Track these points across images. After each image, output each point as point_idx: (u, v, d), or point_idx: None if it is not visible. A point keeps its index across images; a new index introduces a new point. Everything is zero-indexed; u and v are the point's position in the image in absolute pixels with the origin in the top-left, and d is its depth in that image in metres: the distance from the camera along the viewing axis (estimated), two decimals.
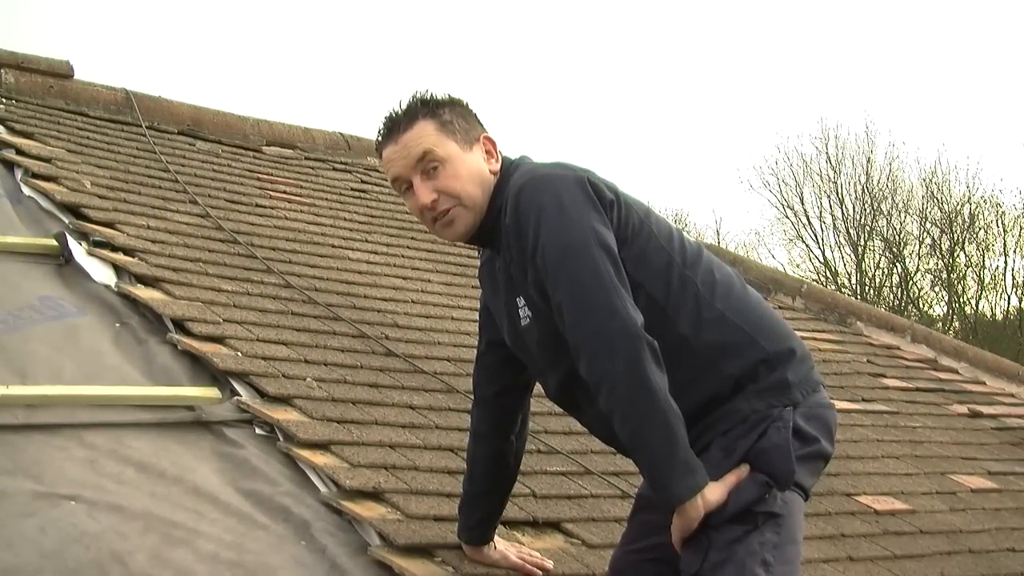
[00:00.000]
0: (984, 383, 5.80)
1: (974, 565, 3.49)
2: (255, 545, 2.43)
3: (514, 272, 2.26)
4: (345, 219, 5.02)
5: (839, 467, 3.81)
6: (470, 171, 2.28)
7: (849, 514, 3.55)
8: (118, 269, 3.62)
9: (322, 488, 2.73)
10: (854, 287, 22.27)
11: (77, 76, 5.26)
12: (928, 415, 4.94)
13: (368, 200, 5.42)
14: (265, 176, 5.22)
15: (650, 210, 2.30)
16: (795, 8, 38.21)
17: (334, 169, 5.73)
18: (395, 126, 2.29)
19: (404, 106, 2.30)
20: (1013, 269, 21.18)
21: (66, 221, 3.87)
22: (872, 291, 22.18)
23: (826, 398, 2.27)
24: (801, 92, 35.26)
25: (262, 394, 3.08)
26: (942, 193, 21.97)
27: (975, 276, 21.56)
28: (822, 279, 22.32)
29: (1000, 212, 21.38)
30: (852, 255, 23.06)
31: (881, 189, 22.80)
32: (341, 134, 6.12)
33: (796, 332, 2.35)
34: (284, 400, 3.07)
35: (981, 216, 21.51)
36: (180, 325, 3.33)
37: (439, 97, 2.32)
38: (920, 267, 22.34)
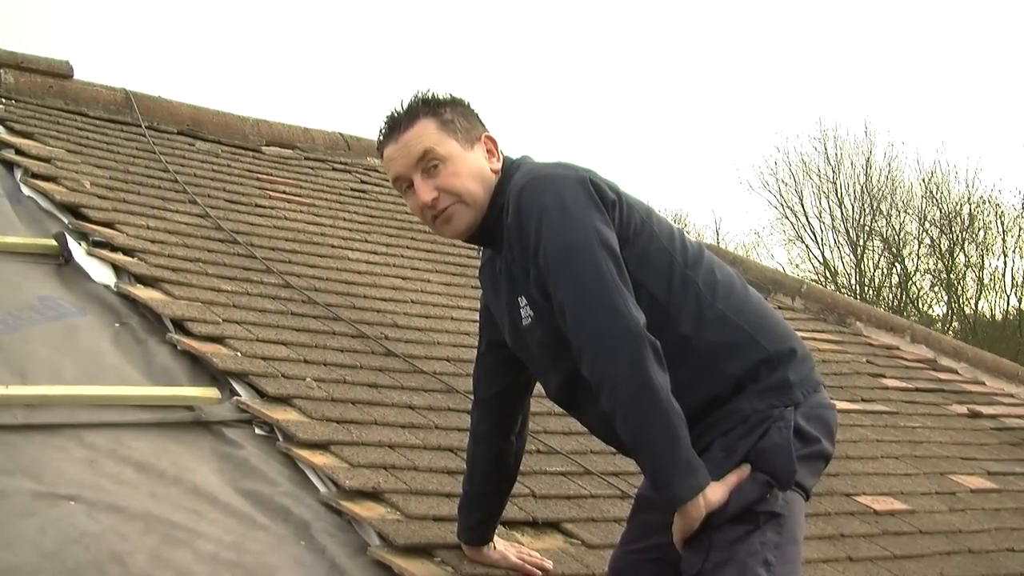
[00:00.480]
0: (983, 383, 5.80)
1: (973, 565, 3.49)
2: (255, 545, 2.43)
3: (516, 272, 2.26)
4: (344, 219, 5.02)
5: (839, 467, 3.81)
6: (471, 169, 2.28)
7: (848, 514, 3.55)
8: (117, 269, 3.62)
9: (322, 488, 2.73)
10: (853, 287, 22.27)
11: (77, 76, 5.26)
12: (927, 415, 4.94)
13: (367, 200, 5.42)
14: (265, 176, 5.22)
15: (651, 210, 2.30)
16: (794, 8, 38.24)
17: (334, 169, 5.73)
18: (396, 125, 2.29)
19: (405, 105, 2.31)
20: (1012, 269, 21.21)
21: (65, 221, 3.87)
22: (871, 291, 22.19)
23: (827, 398, 2.28)
24: (800, 92, 35.36)
25: (261, 394, 3.08)
26: (941, 193, 21.99)
27: (974, 276, 21.58)
28: (821, 279, 22.32)
29: (999, 212, 21.41)
30: (851, 255, 23.08)
31: (880, 189, 22.82)
32: (341, 134, 6.12)
33: (796, 332, 2.36)
34: (283, 400, 3.07)
35: (980, 216, 21.52)
36: (179, 325, 3.33)
37: (440, 96, 2.32)
38: (919, 267, 22.36)
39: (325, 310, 3.84)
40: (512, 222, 2.21)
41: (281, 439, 2.88)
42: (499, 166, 2.33)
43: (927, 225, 22.04)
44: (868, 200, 22.78)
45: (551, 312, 2.18)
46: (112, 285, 3.53)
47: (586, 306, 2.10)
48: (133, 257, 3.72)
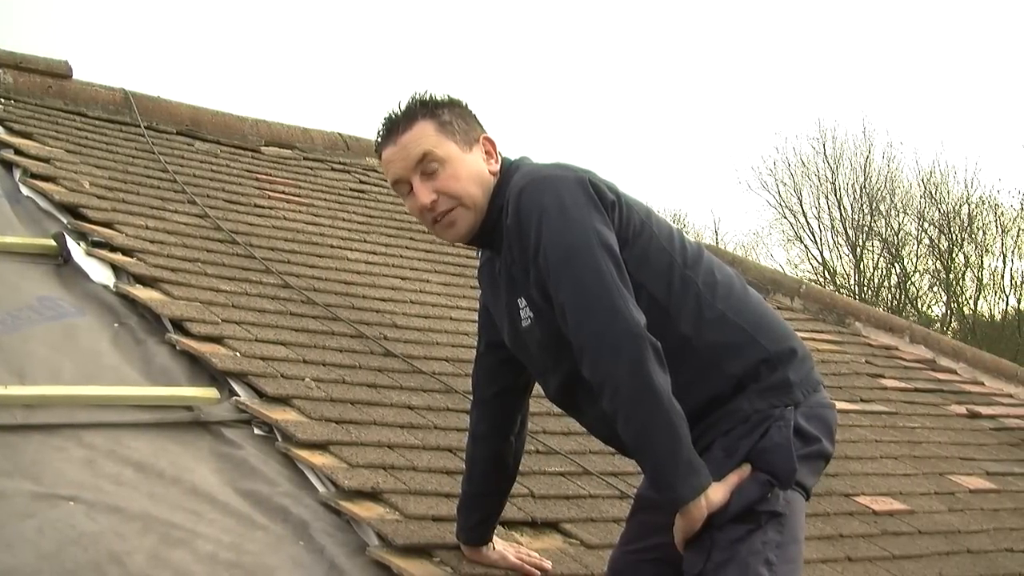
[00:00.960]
0: (983, 383, 5.80)
1: (972, 565, 3.49)
2: (253, 545, 2.43)
3: (515, 273, 2.26)
4: (343, 219, 5.02)
5: (838, 467, 3.81)
6: (470, 172, 2.28)
7: (847, 514, 3.55)
8: (116, 269, 3.62)
9: (321, 488, 2.73)
10: (852, 287, 22.28)
11: (76, 76, 5.26)
12: (926, 415, 4.94)
13: (366, 200, 5.42)
14: (264, 176, 5.22)
15: (651, 211, 2.30)
16: (793, 8, 38.25)
17: (332, 169, 5.73)
18: (394, 127, 2.29)
19: (403, 107, 2.30)
20: (1011, 269, 21.22)
21: (64, 221, 3.87)
22: (870, 291, 22.20)
23: (826, 398, 2.28)
24: (799, 93, 35.34)
25: (260, 394, 3.08)
26: (940, 193, 22.01)
27: (973, 276, 21.59)
28: (820, 279, 22.33)
29: (998, 212, 21.43)
30: (850, 255, 23.09)
31: (879, 189, 22.84)
32: (340, 134, 6.12)
33: (795, 332, 2.36)
34: (283, 400, 3.07)
35: (979, 216, 21.54)
36: (179, 325, 3.33)
37: (438, 98, 2.32)
38: (918, 267, 22.38)
39: (324, 310, 3.84)
40: (512, 223, 2.21)
41: (280, 439, 2.88)
42: (498, 167, 2.32)
43: (926, 225, 22.07)
44: (867, 200, 22.80)
45: (551, 313, 2.18)
46: (111, 285, 3.53)
47: (586, 307, 2.10)
48: (132, 257, 3.72)
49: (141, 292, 3.48)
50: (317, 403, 3.10)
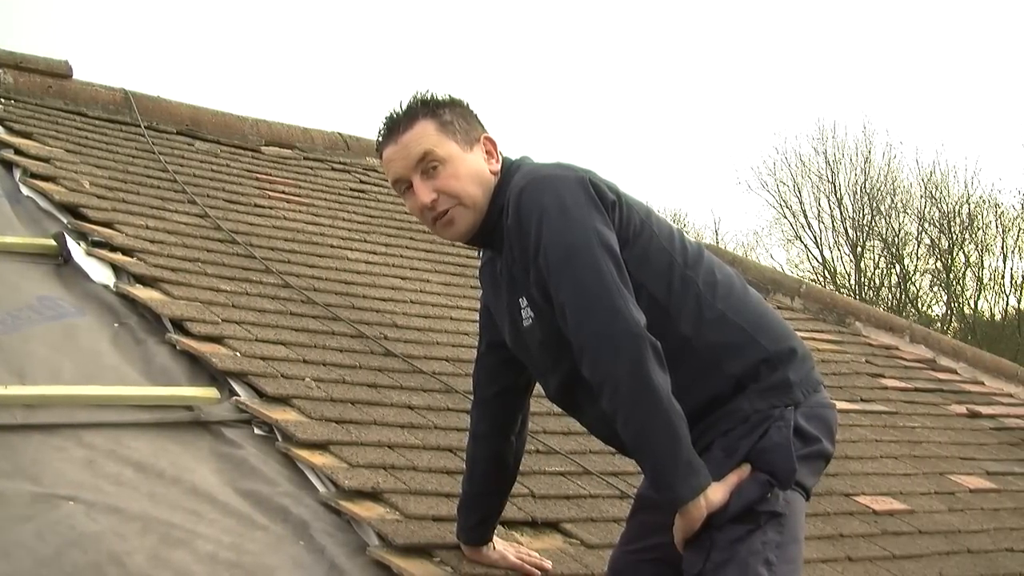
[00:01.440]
0: (983, 383, 5.80)
1: (972, 565, 3.49)
2: (254, 545, 2.43)
3: (516, 273, 2.26)
4: (344, 219, 5.02)
5: (838, 467, 3.81)
6: (470, 171, 2.28)
7: (848, 514, 3.55)
8: (117, 269, 3.62)
9: (321, 488, 2.72)
10: (853, 287, 22.28)
11: (76, 76, 5.26)
12: (927, 415, 4.94)
13: (367, 200, 5.42)
14: (264, 176, 5.22)
15: (651, 210, 2.30)
16: (793, 8, 38.24)
17: (333, 169, 5.73)
18: (395, 126, 2.29)
19: (404, 106, 2.30)
20: (1012, 269, 21.23)
21: (64, 221, 3.87)
22: (871, 291, 22.19)
23: (827, 398, 2.28)
24: (798, 92, 35.32)
25: (261, 394, 3.08)
26: (940, 193, 22.00)
27: (974, 276, 21.59)
28: (821, 279, 22.32)
29: (999, 212, 21.43)
30: (851, 255, 23.08)
31: (879, 189, 22.82)
32: (340, 134, 6.12)
33: (795, 332, 2.36)
34: (283, 400, 3.06)
35: (980, 216, 21.55)
36: (179, 325, 3.33)
37: (439, 97, 2.32)
38: (919, 267, 22.37)
39: (324, 310, 3.84)
40: (512, 223, 2.21)
41: (280, 439, 2.88)
42: (498, 167, 2.33)
43: (926, 225, 22.07)
44: (867, 200, 22.79)
45: (551, 313, 2.18)
46: (111, 285, 3.53)
47: (587, 307, 2.10)
48: (132, 257, 3.72)
49: (141, 292, 3.48)
50: (317, 403, 3.10)
